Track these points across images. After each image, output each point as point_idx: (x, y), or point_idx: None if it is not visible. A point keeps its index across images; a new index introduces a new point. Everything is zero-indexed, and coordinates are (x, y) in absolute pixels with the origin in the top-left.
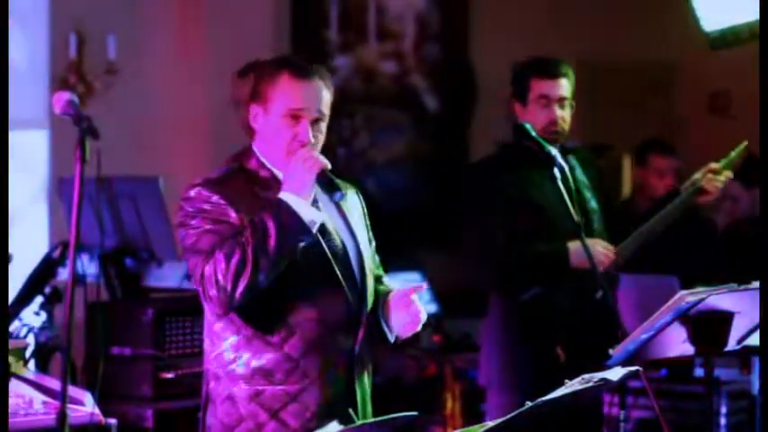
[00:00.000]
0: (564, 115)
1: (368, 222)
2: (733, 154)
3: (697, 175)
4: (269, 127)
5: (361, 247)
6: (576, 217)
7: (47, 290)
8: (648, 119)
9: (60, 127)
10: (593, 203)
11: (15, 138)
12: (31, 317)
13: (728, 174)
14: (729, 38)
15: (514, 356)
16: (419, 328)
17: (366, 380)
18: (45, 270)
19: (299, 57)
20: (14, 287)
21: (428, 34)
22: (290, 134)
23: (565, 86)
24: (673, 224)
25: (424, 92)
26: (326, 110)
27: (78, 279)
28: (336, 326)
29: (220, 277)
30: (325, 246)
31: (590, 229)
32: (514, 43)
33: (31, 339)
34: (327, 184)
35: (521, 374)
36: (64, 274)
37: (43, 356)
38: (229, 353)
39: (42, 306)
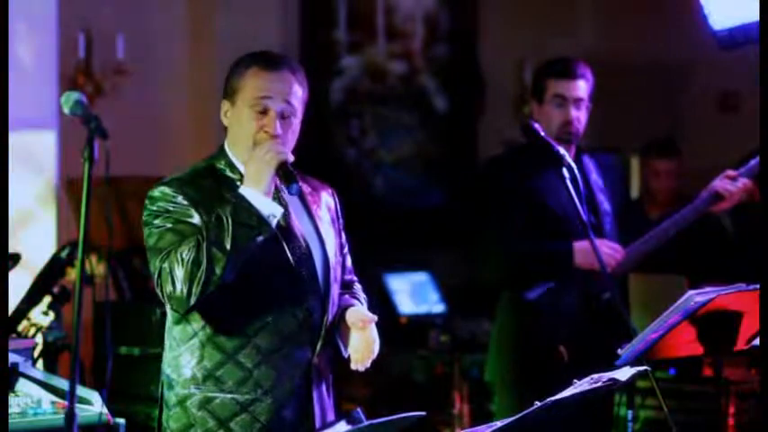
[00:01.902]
0: (579, 116)
1: (341, 226)
2: (752, 162)
3: (714, 182)
4: (236, 120)
5: (329, 254)
6: (584, 216)
7: (55, 290)
8: (658, 119)
9: (69, 127)
10: (606, 206)
11: (24, 138)
12: (40, 316)
13: (746, 181)
14: (738, 38)
15: (519, 356)
16: (369, 359)
17: (325, 391)
18: (53, 270)
19: (271, 53)
20: (23, 287)
21: (437, 34)
22: (256, 126)
23: (582, 88)
24: (685, 229)
25: (432, 92)
26: (297, 103)
27: (87, 279)
28: (295, 336)
29: (177, 274)
30: (288, 252)
31: (601, 230)
32: (523, 43)
33: (39, 339)
34: (286, 177)
35: (525, 374)
36: (72, 274)
37: (51, 356)
38: (185, 357)
39: (51, 306)
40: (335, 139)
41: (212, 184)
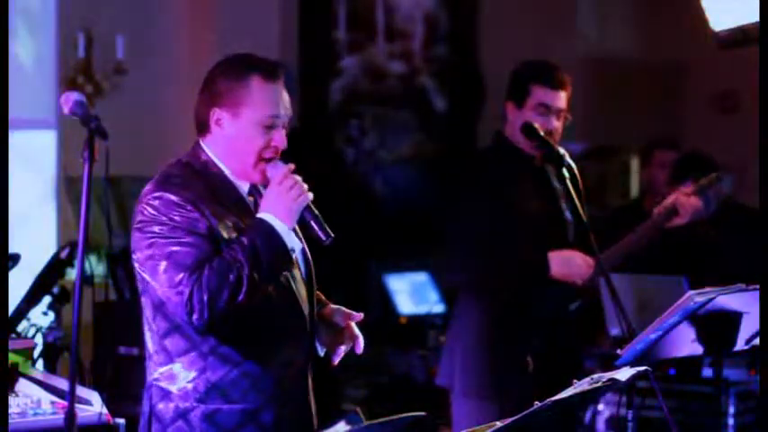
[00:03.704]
0: (559, 127)
1: None
2: (703, 181)
3: (670, 199)
4: (237, 134)
5: (310, 260)
6: (584, 217)
7: (55, 290)
8: (657, 119)
9: (68, 127)
10: (567, 214)
11: (23, 138)
12: (40, 317)
13: (697, 201)
14: (738, 38)
15: (483, 362)
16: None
17: (312, 391)
18: (53, 270)
19: (264, 58)
20: (23, 287)
21: (437, 34)
22: (263, 141)
23: (564, 99)
24: (649, 246)
25: (432, 92)
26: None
27: (86, 279)
28: (293, 341)
29: (215, 297)
30: None
31: (565, 240)
32: (523, 43)
33: (39, 339)
34: (314, 219)
35: (489, 380)
36: (72, 274)
37: (51, 356)
38: (181, 369)
39: (50, 306)
40: (335, 139)
41: (203, 186)
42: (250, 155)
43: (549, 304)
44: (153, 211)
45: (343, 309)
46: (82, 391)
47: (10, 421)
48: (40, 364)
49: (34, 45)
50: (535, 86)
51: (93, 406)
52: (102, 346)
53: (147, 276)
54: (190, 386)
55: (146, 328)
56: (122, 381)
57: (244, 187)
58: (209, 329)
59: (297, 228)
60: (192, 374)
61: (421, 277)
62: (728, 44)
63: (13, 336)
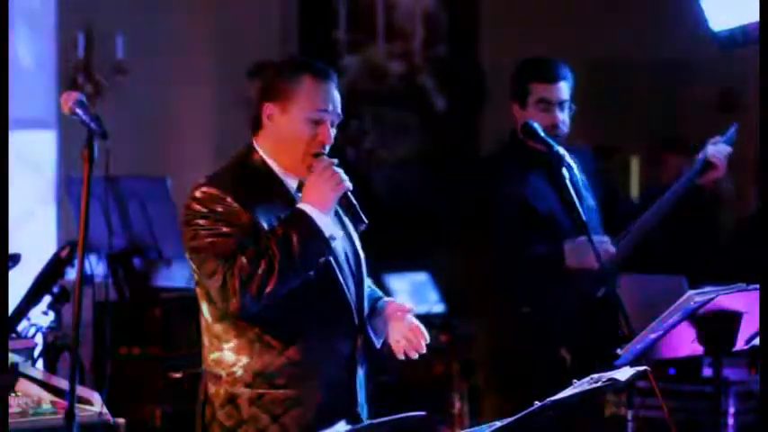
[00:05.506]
0: (564, 118)
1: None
2: (732, 131)
3: (701, 154)
4: (286, 127)
5: (359, 252)
6: (583, 216)
7: (55, 289)
8: (658, 119)
9: (68, 127)
10: (591, 201)
11: (23, 138)
12: (40, 316)
13: (728, 148)
14: (738, 38)
15: (516, 358)
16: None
17: (364, 382)
18: (53, 270)
19: (314, 58)
20: (23, 287)
21: (437, 34)
22: (309, 135)
23: (564, 89)
24: (672, 212)
25: (432, 92)
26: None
27: (86, 279)
28: (338, 331)
29: (246, 285)
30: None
31: (589, 228)
32: (523, 43)
33: (39, 339)
34: (349, 208)
35: (524, 377)
36: (72, 274)
37: (51, 356)
38: (230, 355)
39: (50, 306)
40: (335, 139)
41: (252, 183)
42: (297, 149)
43: (574, 296)
44: (197, 205)
45: (397, 302)
46: (82, 391)
47: (10, 421)
48: (40, 363)
49: (34, 45)
50: (533, 84)
51: (93, 406)
52: (102, 345)
53: (195, 268)
54: (238, 372)
55: (201, 319)
56: (122, 380)
57: (292, 184)
58: (246, 317)
59: (345, 220)
60: (240, 360)
61: (421, 277)
62: (728, 45)
63: (13, 336)
